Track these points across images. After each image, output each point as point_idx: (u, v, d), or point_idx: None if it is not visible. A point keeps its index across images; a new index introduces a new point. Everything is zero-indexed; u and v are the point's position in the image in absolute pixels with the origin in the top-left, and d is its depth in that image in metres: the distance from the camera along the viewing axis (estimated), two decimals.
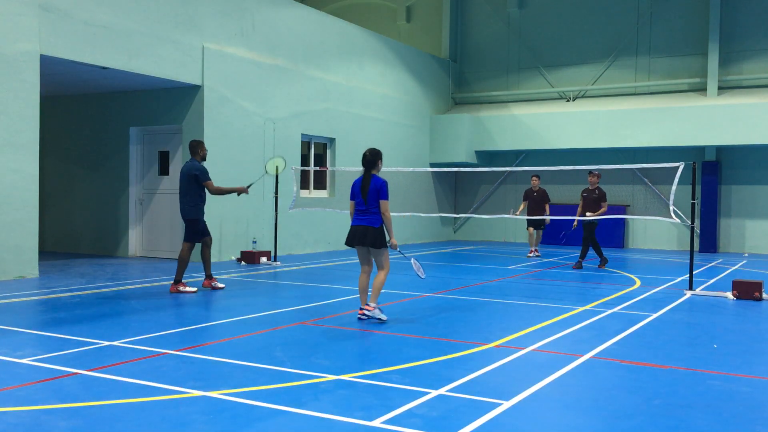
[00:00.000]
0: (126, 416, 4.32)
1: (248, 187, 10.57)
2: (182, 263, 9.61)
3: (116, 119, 14.81)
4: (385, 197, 7.47)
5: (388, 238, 7.62)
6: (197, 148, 10.02)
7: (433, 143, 21.36)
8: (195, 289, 9.64)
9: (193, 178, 9.74)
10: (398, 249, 7.89)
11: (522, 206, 16.51)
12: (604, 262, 13.78)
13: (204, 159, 10.08)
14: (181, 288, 9.51)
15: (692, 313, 8.60)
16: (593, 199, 13.73)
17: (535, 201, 16.06)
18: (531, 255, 16.24)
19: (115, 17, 11.90)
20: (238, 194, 10.52)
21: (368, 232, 7.44)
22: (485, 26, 22.40)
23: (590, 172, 13.85)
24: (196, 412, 4.44)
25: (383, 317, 7.49)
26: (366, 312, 7.47)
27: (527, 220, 16.26)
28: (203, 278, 10.19)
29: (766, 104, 17.57)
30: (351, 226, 7.63)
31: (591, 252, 15.18)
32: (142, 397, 4.71)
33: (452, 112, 22.28)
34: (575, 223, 13.94)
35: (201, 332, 7.00)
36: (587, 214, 13.59)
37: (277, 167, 12.76)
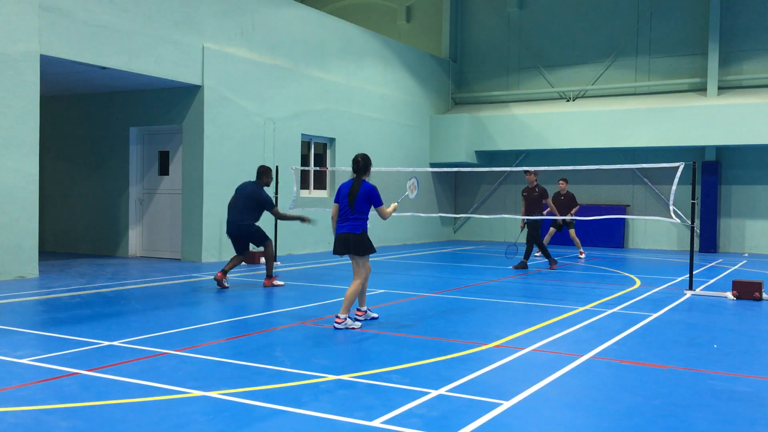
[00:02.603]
0: (126, 416, 4.32)
1: (310, 221, 10.54)
2: (270, 259, 10.35)
3: (116, 119, 14.81)
4: (380, 203, 7.32)
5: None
6: (264, 176, 10.39)
7: (433, 143, 21.36)
8: (282, 282, 10.54)
9: (256, 203, 10.13)
10: (400, 200, 7.89)
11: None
12: (524, 265, 13.51)
13: (268, 186, 10.47)
14: (275, 282, 10.36)
15: (692, 313, 8.60)
16: (534, 198, 13.59)
17: (563, 204, 15.96)
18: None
19: (115, 17, 11.90)
20: (302, 222, 10.43)
21: (350, 239, 7.23)
22: (485, 26, 22.40)
23: (526, 171, 13.72)
24: (196, 412, 4.44)
25: (356, 325, 7.24)
26: (336, 325, 7.15)
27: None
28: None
29: (766, 104, 17.57)
30: (336, 234, 7.35)
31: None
32: (142, 397, 4.71)
33: (452, 112, 22.27)
34: (522, 223, 13.79)
35: (201, 332, 7.00)
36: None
37: None
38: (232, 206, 10.25)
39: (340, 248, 7.31)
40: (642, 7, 20.13)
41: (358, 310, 7.60)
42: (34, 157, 10.89)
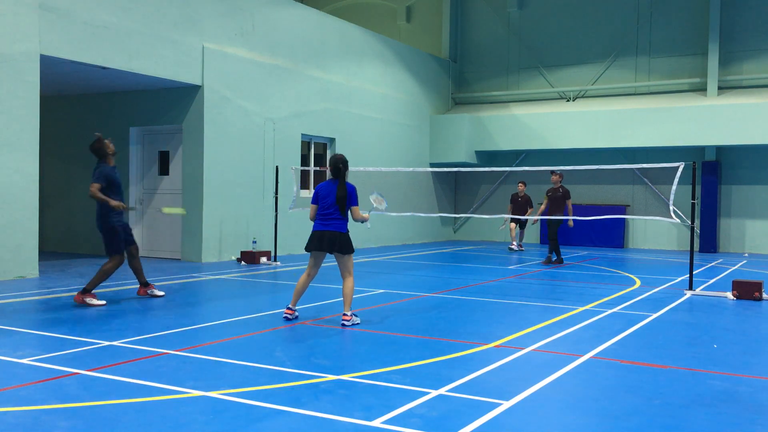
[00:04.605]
0: (126, 416, 4.32)
1: (128, 208, 9.02)
2: (103, 276, 8.38)
3: (116, 119, 14.81)
4: (356, 203, 7.45)
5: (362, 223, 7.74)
6: (101, 150, 8.57)
7: (433, 143, 21.36)
8: (104, 302, 8.38)
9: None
10: (370, 212, 8.00)
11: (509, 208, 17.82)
12: (549, 260, 14.36)
13: (114, 154, 8.72)
14: (88, 299, 8.27)
15: (692, 313, 8.60)
16: (557, 198, 14.13)
17: (520, 204, 17.61)
18: (513, 247, 17.77)
19: (115, 17, 11.90)
20: (113, 208, 8.52)
21: (336, 238, 7.33)
22: (485, 26, 22.40)
23: (552, 171, 14.24)
24: (196, 412, 4.43)
25: (357, 320, 7.43)
26: (344, 322, 7.31)
27: (512, 217, 17.66)
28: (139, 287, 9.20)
29: (766, 104, 17.56)
30: (314, 230, 7.43)
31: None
32: (142, 397, 4.71)
33: (452, 112, 22.27)
34: (535, 220, 14.39)
35: (201, 332, 7.00)
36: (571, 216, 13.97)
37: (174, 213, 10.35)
38: None
39: (322, 245, 7.37)
40: (642, 7, 20.12)
41: (288, 308, 7.60)
42: (34, 157, 10.88)
